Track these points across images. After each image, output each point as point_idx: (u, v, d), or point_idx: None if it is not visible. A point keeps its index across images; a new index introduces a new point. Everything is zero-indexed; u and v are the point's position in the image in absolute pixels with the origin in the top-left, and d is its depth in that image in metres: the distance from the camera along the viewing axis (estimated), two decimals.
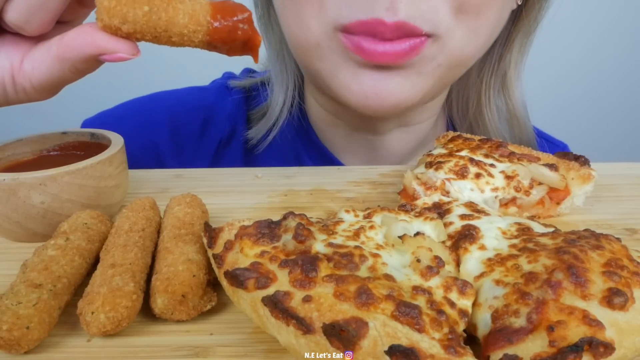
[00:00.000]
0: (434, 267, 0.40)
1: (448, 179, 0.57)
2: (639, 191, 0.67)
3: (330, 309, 0.35)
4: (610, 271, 0.38)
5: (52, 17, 0.48)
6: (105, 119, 0.95)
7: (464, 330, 0.38)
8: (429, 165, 0.60)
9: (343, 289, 0.37)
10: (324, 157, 0.91)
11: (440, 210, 0.52)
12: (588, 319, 0.35)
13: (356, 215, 0.49)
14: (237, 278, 0.39)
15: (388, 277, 0.39)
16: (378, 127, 0.85)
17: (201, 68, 1.15)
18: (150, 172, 0.76)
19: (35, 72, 0.49)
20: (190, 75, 1.17)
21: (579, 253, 0.40)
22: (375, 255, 0.42)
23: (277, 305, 0.36)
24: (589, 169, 0.60)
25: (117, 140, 0.61)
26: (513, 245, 0.44)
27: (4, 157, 0.61)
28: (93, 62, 0.48)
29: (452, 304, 0.38)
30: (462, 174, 0.57)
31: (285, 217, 0.47)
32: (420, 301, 0.37)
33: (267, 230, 0.44)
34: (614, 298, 0.36)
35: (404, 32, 0.62)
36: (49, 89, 0.51)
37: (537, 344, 0.34)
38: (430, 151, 0.65)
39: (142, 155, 0.86)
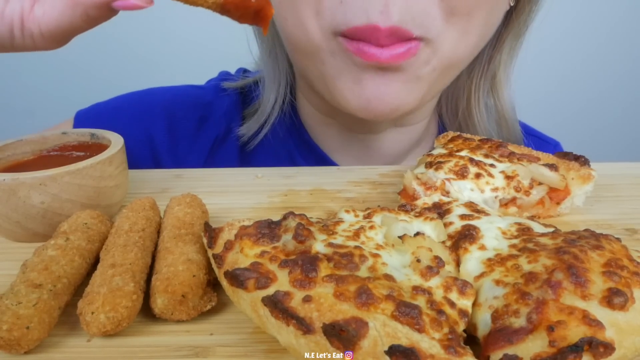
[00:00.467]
0: (434, 267, 0.40)
1: (448, 179, 0.57)
2: (639, 191, 0.67)
3: (330, 309, 0.35)
4: (610, 271, 0.38)
5: None
6: (99, 111, 0.94)
7: (464, 330, 0.38)
8: (429, 165, 0.60)
9: (343, 289, 0.37)
10: (317, 156, 0.91)
11: (440, 210, 0.52)
12: (588, 319, 0.35)
13: (356, 215, 0.49)
14: (237, 278, 0.39)
15: (388, 277, 0.39)
16: (372, 127, 0.85)
17: (197, 67, 1.15)
18: (150, 172, 0.76)
19: (45, 17, 0.48)
20: (187, 73, 1.17)
21: (579, 253, 0.40)
22: (375, 255, 0.42)
23: (277, 305, 0.36)
24: (589, 169, 0.60)
25: (117, 141, 0.62)
26: (513, 246, 0.44)
27: (4, 157, 0.61)
28: (106, 10, 0.47)
29: (452, 304, 0.38)
30: (462, 174, 0.57)
31: (285, 217, 0.47)
32: (420, 301, 0.37)
33: (267, 230, 0.44)
34: (614, 298, 0.36)
35: (398, 37, 0.63)
36: (57, 36, 0.50)
37: (537, 344, 0.34)
38: (430, 151, 0.65)
39: (136, 148, 0.85)
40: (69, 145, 0.65)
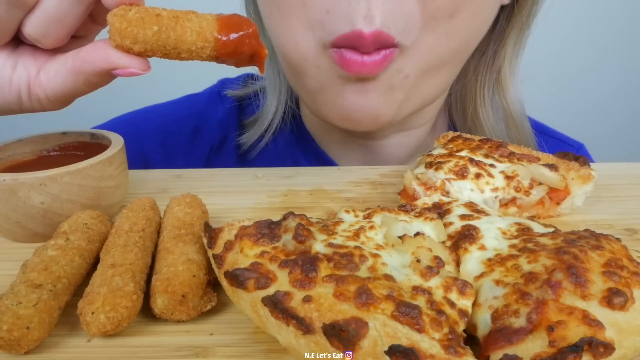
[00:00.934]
0: (434, 267, 0.40)
1: (448, 179, 0.57)
2: (639, 191, 0.67)
3: (330, 309, 0.35)
4: (610, 271, 0.38)
5: (68, 32, 0.51)
6: None
7: (464, 330, 0.38)
8: (429, 165, 0.60)
9: (343, 289, 0.37)
10: (323, 163, 0.91)
11: (440, 211, 0.52)
12: (588, 319, 0.35)
13: (356, 216, 0.49)
14: (237, 278, 0.39)
15: (388, 277, 0.39)
16: (375, 133, 0.85)
17: (199, 72, 1.15)
18: (150, 172, 0.76)
19: (50, 83, 0.51)
20: (188, 80, 1.17)
21: (579, 253, 0.40)
22: (375, 256, 0.42)
23: (277, 305, 0.36)
24: (588, 169, 0.60)
25: (117, 141, 0.62)
26: (513, 246, 0.44)
27: (4, 157, 0.61)
28: (106, 76, 0.51)
29: (452, 304, 0.38)
30: (462, 174, 0.57)
31: (285, 217, 0.47)
32: (420, 301, 0.37)
33: (267, 230, 0.44)
34: (614, 298, 0.36)
35: (380, 43, 0.64)
36: (62, 99, 0.53)
37: (537, 344, 0.34)
38: (430, 151, 0.65)
39: (131, 166, 0.87)
40: (69, 145, 0.65)
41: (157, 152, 0.93)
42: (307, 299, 0.36)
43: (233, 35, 0.49)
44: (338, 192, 0.69)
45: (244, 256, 0.42)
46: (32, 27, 0.50)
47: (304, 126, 0.94)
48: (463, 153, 0.61)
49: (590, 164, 0.63)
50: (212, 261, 0.44)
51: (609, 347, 0.33)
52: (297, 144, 0.93)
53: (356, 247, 0.42)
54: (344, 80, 0.68)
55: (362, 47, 0.64)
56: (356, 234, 0.45)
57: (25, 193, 0.52)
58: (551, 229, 0.47)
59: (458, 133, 0.70)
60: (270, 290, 0.38)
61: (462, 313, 0.38)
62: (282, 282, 0.38)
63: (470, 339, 0.38)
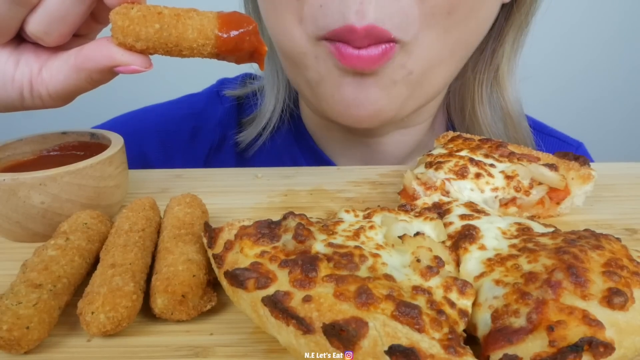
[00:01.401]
0: (434, 267, 0.40)
1: (448, 179, 0.57)
2: (639, 191, 0.67)
3: (330, 309, 0.35)
4: (610, 271, 0.38)
5: (70, 30, 0.52)
6: None
7: (464, 330, 0.38)
8: (429, 165, 0.60)
9: (343, 289, 0.37)
10: (321, 161, 0.91)
11: (440, 210, 0.52)
12: (588, 319, 0.35)
13: (356, 215, 0.49)
14: (237, 278, 0.39)
15: (388, 277, 0.39)
16: (374, 130, 0.85)
17: (198, 72, 1.15)
18: (150, 172, 0.76)
19: (52, 80, 0.52)
20: (187, 79, 1.17)
21: (579, 253, 0.40)
22: (375, 255, 0.42)
23: (277, 305, 0.36)
24: (588, 169, 0.60)
25: (117, 141, 0.62)
26: (513, 245, 0.44)
27: (4, 157, 0.61)
28: (108, 73, 0.51)
29: (452, 304, 0.38)
30: (462, 174, 0.57)
31: (285, 217, 0.47)
32: (420, 301, 0.37)
33: (267, 230, 0.44)
34: (614, 298, 0.36)
35: (374, 37, 0.63)
36: (64, 96, 0.53)
37: (537, 344, 0.34)
38: (430, 151, 0.65)
39: (130, 166, 0.87)
40: (69, 145, 0.65)
41: (156, 151, 0.93)
42: (307, 299, 0.36)
43: (233, 33, 0.50)
44: (338, 192, 0.69)
45: (244, 256, 0.42)
46: (34, 25, 0.50)
47: (303, 125, 0.94)
48: (463, 153, 0.61)
49: (590, 163, 0.63)
50: (212, 261, 0.44)
51: (609, 347, 0.33)
52: (296, 142, 0.93)
53: (356, 247, 0.42)
54: (342, 72, 0.68)
55: (355, 41, 0.64)
56: (356, 234, 0.45)
57: (25, 193, 0.52)
58: (551, 229, 0.47)
59: (458, 133, 0.70)
60: (270, 290, 0.38)
61: (462, 313, 0.38)
62: (282, 282, 0.38)
63: (470, 339, 0.38)
